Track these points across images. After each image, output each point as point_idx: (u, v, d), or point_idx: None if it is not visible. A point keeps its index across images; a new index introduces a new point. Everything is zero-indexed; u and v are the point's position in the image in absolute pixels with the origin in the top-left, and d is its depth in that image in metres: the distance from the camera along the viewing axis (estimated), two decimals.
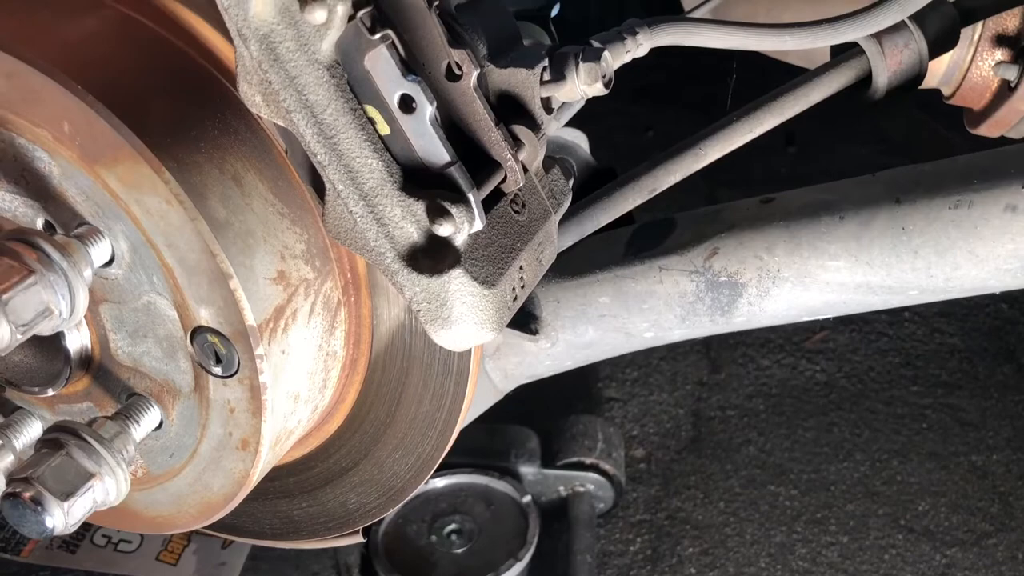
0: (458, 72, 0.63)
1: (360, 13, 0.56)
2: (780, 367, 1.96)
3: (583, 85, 0.71)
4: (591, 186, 1.02)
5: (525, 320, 0.94)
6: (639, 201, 0.88)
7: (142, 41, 0.62)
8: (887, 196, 0.85)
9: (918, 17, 0.89)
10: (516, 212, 0.67)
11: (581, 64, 0.71)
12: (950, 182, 0.84)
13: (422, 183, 0.60)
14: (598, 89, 0.72)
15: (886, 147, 2.23)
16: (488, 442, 1.56)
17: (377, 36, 0.57)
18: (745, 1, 1.36)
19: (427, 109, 0.58)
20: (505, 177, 0.65)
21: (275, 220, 0.63)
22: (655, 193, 0.89)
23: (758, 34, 0.84)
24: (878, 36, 0.89)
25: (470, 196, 0.60)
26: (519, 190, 0.67)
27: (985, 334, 1.99)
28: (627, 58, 0.79)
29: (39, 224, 0.62)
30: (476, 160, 0.65)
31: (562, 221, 0.87)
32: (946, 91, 1.26)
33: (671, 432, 1.81)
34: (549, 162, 0.74)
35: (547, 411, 1.66)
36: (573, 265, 0.94)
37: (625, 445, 1.72)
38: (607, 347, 0.96)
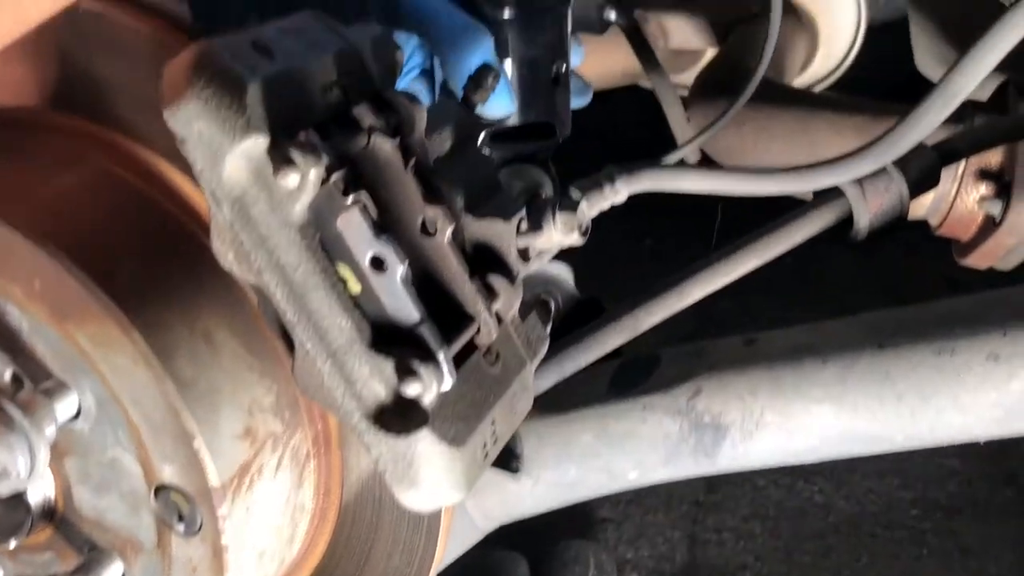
0: (432, 228, 0.63)
1: (333, 177, 0.57)
2: (777, 487, 1.93)
3: (559, 235, 0.72)
4: (576, 319, 1.02)
5: (506, 458, 0.92)
6: (620, 342, 0.88)
7: (120, 195, 0.63)
8: (870, 340, 0.85)
9: (899, 160, 0.90)
10: (489, 364, 0.67)
11: (558, 214, 0.71)
12: (932, 328, 0.83)
13: (392, 340, 0.60)
14: (574, 239, 0.72)
15: None
16: (474, 570, 1.52)
17: (350, 199, 0.57)
18: (732, 133, 1.38)
19: (398, 270, 0.58)
20: (479, 330, 0.65)
21: (244, 374, 0.62)
22: (637, 334, 0.88)
23: (740, 179, 0.85)
24: (859, 179, 0.90)
25: (439, 355, 0.59)
26: (493, 342, 0.67)
27: (985, 457, 1.96)
28: (606, 205, 0.80)
29: (7, 376, 0.62)
30: (450, 312, 0.65)
31: (543, 361, 0.87)
32: (933, 222, 1.27)
33: (666, 556, 1.77)
34: (526, 308, 0.74)
35: (538, 532, 1.63)
36: (556, 401, 0.93)
37: (619, 570, 1.68)
38: (590, 487, 0.94)
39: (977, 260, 1.24)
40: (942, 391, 0.81)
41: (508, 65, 0.89)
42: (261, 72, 0.56)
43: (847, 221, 0.93)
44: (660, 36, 1.97)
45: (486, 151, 0.92)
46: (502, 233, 0.68)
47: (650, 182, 0.82)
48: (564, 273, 1.00)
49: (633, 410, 0.90)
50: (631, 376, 0.93)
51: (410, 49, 0.91)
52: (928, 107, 0.77)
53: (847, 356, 0.85)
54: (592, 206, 0.77)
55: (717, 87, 1.47)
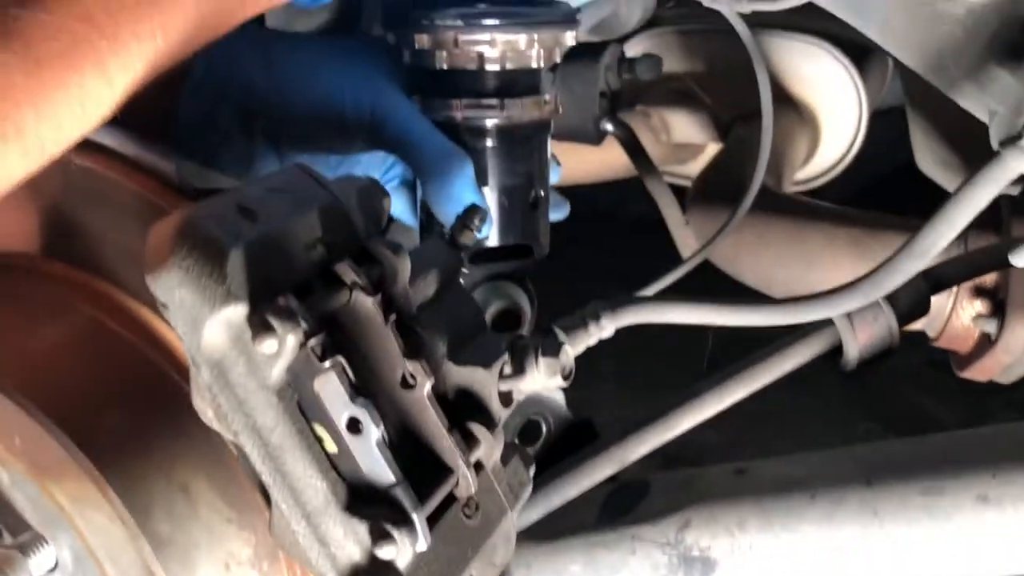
0: (411, 382, 0.64)
1: (311, 342, 0.58)
2: None
3: (543, 379, 0.72)
4: (568, 441, 1.02)
5: None
6: (609, 473, 0.88)
7: (106, 345, 0.64)
8: (858, 476, 0.84)
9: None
10: (468, 517, 0.66)
11: (541, 358, 0.72)
12: (921, 466, 0.83)
13: (368, 500, 0.60)
14: (557, 382, 0.72)
15: None
16: None
17: (327, 364, 0.58)
18: (730, 239, 1.39)
19: (373, 433, 0.59)
20: (457, 483, 0.65)
21: (222, 527, 0.62)
22: (624, 465, 0.88)
23: (728, 312, 0.85)
24: (848, 312, 0.90)
25: (414, 517, 0.59)
26: (472, 494, 0.67)
27: None
28: (591, 341, 0.80)
29: None
30: (428, 464, 0.65)
31: (531, 492, 0.86)
32: (931, 334, 1.27)
33: None
34: (509, 452, 0.74)
35: None
36: (545, 527, 0.93)
37: None
38: None
39: (976, 374, 1.23)
40: (931, 532, 0.80)
41: (487, 192, 0.90)
42: (243, 238, 0.57)
43: (837, 349, 0.94)
44: (662, 130, 2.00)
45: (465, 272, 0.93)
46: (483, 380, 0.69)
47: (636, 316, 0.82)
48: (555, 394, 1.00)
49: (622, 540, 0.90)
50: (621, 503, 0.92)
51: (390, 161, 0.93)
52: (917, 245, 0.77)
53: (836, 492, 0.84)
54: (576, 345, 0.78)
55: (715, 193, 1.49)
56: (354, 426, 0.59)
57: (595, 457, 0.87)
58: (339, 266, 0.63)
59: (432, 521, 0.63)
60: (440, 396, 0.69)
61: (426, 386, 0.63)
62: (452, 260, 0.75)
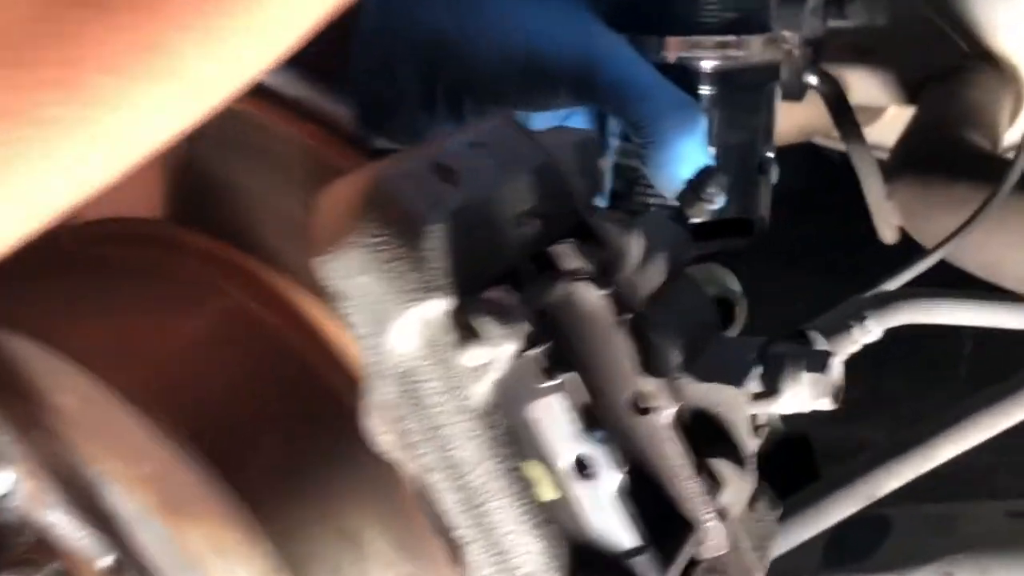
0: (647, 406, 0.48)
1: (533, 351, 0.42)
2: None
3: (806, 399, 0.55)
4: (781, 459, 0.85)
5: None
6: (849, 511, 0.70)
7: (257, 343, 0.50)
8: None
9: None
10: None
11: (805, 374, 0.55)
12: None
13: (592, 565, 0.44)
14: (824, 404, 0.55)
15: None
16: None
17: (555, 381, 0.42)
18: (948, 214, 1.18)
19: (612, 479, 0.43)
20: (702, 541, 0.49)
21: None
22: (872, 500, 0.70)
23: (1007, 309, 0.66)
24: None
25: None
26: (722, 554, 0.51)
27: None
28: (854, 348, 0.63)
29: (108, 562, 0.50)
30: (658, 510, 0.49)
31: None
32: None
33: None
34: (757, 489, 0.57)
35: None
36: None
37: None
38: None
39: None
40: None
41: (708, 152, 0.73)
42: (445, 208, 0.41)
43: None
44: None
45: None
46: (731, 402, 0.52)
47: (910, 314, 0.64)
48: None
49: None
50: (853, 546, 0.75)
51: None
52: None
53: None
54: (839, 353, 0.60)
55: (931, 161, 1.26)
56: (583, 468, 0.43)
57: (835, 492, 0.70)
58: (559, 247, 0.47)
59: None
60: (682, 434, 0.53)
61: (667, 414, 0.47)
62: (680, 240, 0.59)
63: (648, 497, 0.49)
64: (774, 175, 0.80)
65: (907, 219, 1.27)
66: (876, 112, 1.82)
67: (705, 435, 0.53)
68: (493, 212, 0.45)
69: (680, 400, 0.52)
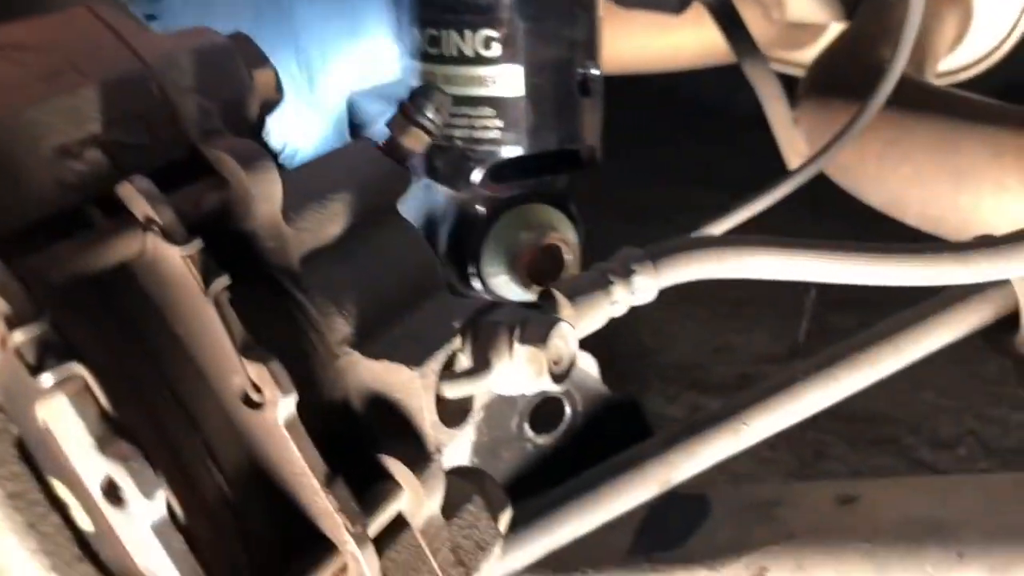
0: (256, 399, 0.36)
1: (16, 337, 0.30)
2: None
3: (520, 378, 0.44)
4: (606, 426, 0.74)
5: None
6: (642, 499, 0.59)
7: None
8: None
9: None
10: None
11: (517, 347, 0.43)
12: None
13: None
14: (545, 383, 0.44)
15: None
16: None
17: (49, 378, 0.30)
18: (852, 150, 1.05)
19: (149, 509, 0.31)
20: (345, 567, 0.38)
21: None
22: (669, 487, 0.59)
23: (849, 261, 0.54)
24: None
25: None
26: None
27: None
28: (618, 311, 0.51)
29: None
30: (297, 528, 0.38)
31: (525, 524, 0.59)
32: None
33: None
34: (462, 489, 0.46)
35: None
36: (560, 554, 0.65)
37: None
38: None
39: None
40: None
41: (511, 71, 0.61)
42: None
43: (1010, 320, 0.62)
44: (775, 6, 1.63)
45: (481, 191, 0.64)
46: (407, 386, 0.41)
47: (692, 268, 0.52)
48: (585, 363, 0.72)
49: None
50: (665, 529, 0.64)
51: None
52: None
53: (1000, 551, 0.54)
54: (590, 318, 0.48)
55: (836, 84, 1.13)
56: (114, 493, 0.32)
57: (623, 474, 0.58)
58: (124, 187, 0.35)
59: None
60: (339, 406, 0.41)
61: (280, 408, 0.36)
62: (386, 175, 0.47)
63: (280, 516, 0.38)
64: (599, 94, 0.67)
65: (810, 144, 1.15)
66: (817, 31, 1.68)
67: (383, 426, 0.42)
68: (15, 139, 0.33)
69: (329, 378, 0.40)
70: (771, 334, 2.14)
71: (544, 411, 0.72)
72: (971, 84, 1.58)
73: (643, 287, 0.50)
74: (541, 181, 0.67)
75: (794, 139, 1.16)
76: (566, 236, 0.67)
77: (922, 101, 1.01)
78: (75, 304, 0.34)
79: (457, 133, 0.62)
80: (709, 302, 2.34)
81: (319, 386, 0.40)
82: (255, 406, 0.36)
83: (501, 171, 0.63)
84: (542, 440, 0.71)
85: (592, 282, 0.49)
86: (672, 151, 2.74)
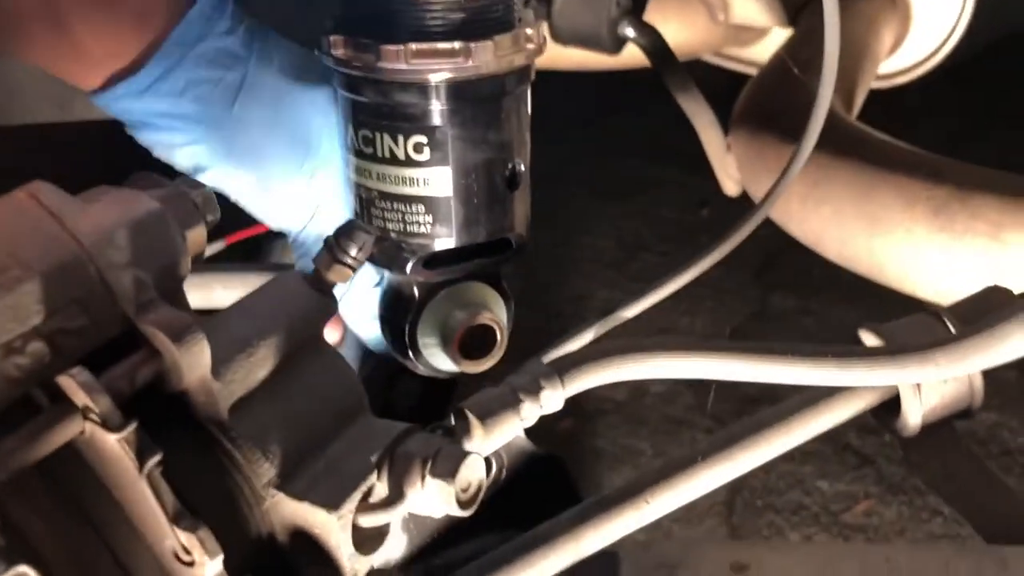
0: (186, 559, 0.40)
1: None
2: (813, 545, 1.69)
3: (432, 505, 0.48)
4: (531, 483, 0.79)
5: None
6: (550, 572, 0.64)
7: None
8: None
9: None
10: None
11: (429, 479, 0.48)
12: None
13: None
14: (452, 511, 0.49)
15: None
16: None
17: None
18: (820, 201, 1.09)
19: None
20: None
21: None
22: (578, 559, 0.65)
23: (737, 362, 0.60)
24: None
25: None
26: None
27: None
28: (526, 424, 0.56)
29: None
30: None
31: None
32: None
33: None
34: None
35: None
36: None
37: None
38: None
39: None
40: None
41: (442, 174, 0.64)
42: None
43: (893, 402, 0.67)
44: (720, 9, 1.66)
45: (416, 277, 0.68)
46: (326, 525, 0.45)
47: (598, 377, 0.57)
48: None
49: None
50: None
51: None
52: None
53: None
54: (495, 436, 0.53)
55: (769, 112, 1.18)
56: None
57: (536, 550, 0.64)
58: (62, 380, 0.38)
59: None
60: (266, 540, 0.46)
61: (210, 568, 0.40)
62: (313, 308, 0.51)
63: None
64: (526, 185, 0.71)
65: (743, 171, 1.20)
66: (762, 31, 1.72)
67: (307, 556, 0.46)
68: None
69: (259, 515, 0.45)
70: (713, 316, 2.21)
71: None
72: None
73: (550, 400, 0.55)
74: (473, 267, 0.70)
75: (727, 165, 1.20)
76: (497, 315, 0.71)
77: (847, 145, 1.06)
78: (20, 484, 0.38)
79: (391, 226, 0.65)
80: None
81: (248, 525, 0.45)
82: (188, 564, 0.40)
83: (434, 261, 0.67)
84: None
85: (503, 402, 0.53)
86: (641, 123, 2.78)
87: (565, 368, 0.55)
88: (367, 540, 0.47)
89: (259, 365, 0.46)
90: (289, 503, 0.45)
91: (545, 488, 0.76)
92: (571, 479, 0.79)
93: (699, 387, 2.15)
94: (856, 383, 0.58)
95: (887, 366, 0.57)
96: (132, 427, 0.39)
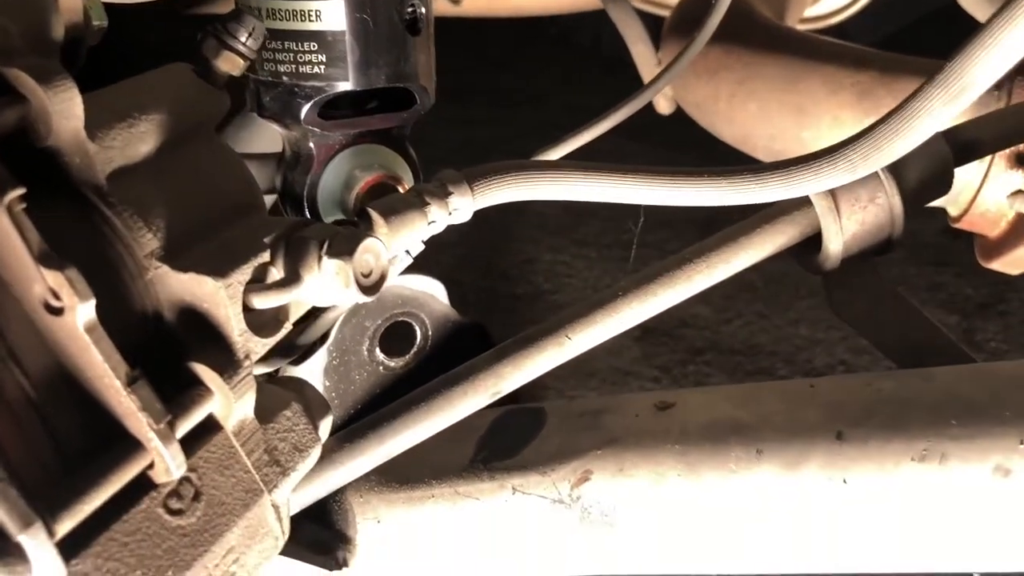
0: (56, 305, 0.38)
1: None
2: None
3: (330, 289, 0.46)
4: (455, 349, 0.77)
5: (331, 544, 0.69)
6: (474, 408, 0.63)
7: None
8: (825, 427, 0.59)
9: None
10: (175, 513, 0.42)
11: (325, 260, 0.46)
12: (918, 415, 0.57)
13: None
14: (353, 296, 0.47)
15: None
16: None
17: None
18: (705, 83, 1.10)
19: None
20: (151, 464, 0.41)
21: None
22: (498, 396, 0.63)
23: (640, 182, 0.58)
24: (832, 189, 0.63)
25: (21, 542, 0.35)
26: (187, 477, 0.42)
27: None
28: (433, 230, 0.54)
29: None
30: (108, 431, 0.40)
31: (363, 433, 0.62)
32: (952, 212, 0.99)
33: None
34: (282, 396, 0.49)
35: None
36: (406, 468, 0.69)
37: None
38: None
39: (1006, 265, 0.96)
40: (926, 514, 0.56)
41: (332, 7, 0.62)
42: None
43: (814, 239, 0.67)
44: None
45: (312, 129, 0.66)
46: (213, 295, 0.43)
47: (507, 190, 0.55)
48: (432, 288, 0.75)
49: (500, 492, 0.66)
50: (503, 441, 0.68)
51: None
52: (938, 92, 0.49)
53: (792, 448, 0.59)
54: (402, 236, 0.51)
55: (699, 20, 1.17)
56: None
57: (456, 387, 0.62)
58: None
59: (95, 531, 0.39)
60: (151, 318, 0.44)
61: (81, 312, 0.38)
62: (202, 97, 0.48)
63: (90, 421, 0.40)
64: (429, 34, 0.69)
65: (673, 86, 1.19)
66: None
67: (195, 334, 0.44)
68: None
69: (139, 290, 0.43)
70: None
71: (394, 335, 0.75)
72: (845, 31, 1.65)
73: (460, 207, 0.53)
74: (373, 120, 0.67)
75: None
76: (400, 176, 0.69)
77: (770, 42, 1.06)
78: None
79: (283, 68, 0.63)
80: (599, 246, 2.41)
81: (128, 299, 0.43)
82: (56, 312, 0.38)
83: (332, 106, 0.65)
84: (393, 363, 0.74)
85: (409, 202, 0.51)
86: (574, 100, 2.78)
87: (475, 177, 0.53)
88: (263, 324, 0.45)
89: (140, 139, 0.44)
90: (175, 276, 0.43)
91: (468, 355, 0.74)
92: (493, 344, 0.77)
93: (645, 340, 2.15)
94: (773, 197, 0.57)
95: (804, 173, 0.56)
96: None
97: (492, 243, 2.38)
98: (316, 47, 0.62)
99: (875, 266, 0.67)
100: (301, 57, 0.63)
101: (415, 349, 0.75)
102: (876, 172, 0.63)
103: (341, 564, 0.68)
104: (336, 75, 0.63)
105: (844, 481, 0.57)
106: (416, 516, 0.68)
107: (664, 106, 1.23)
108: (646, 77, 1.22)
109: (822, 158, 0.55)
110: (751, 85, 1.03)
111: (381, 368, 0.74)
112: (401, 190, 0.68)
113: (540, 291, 2.27)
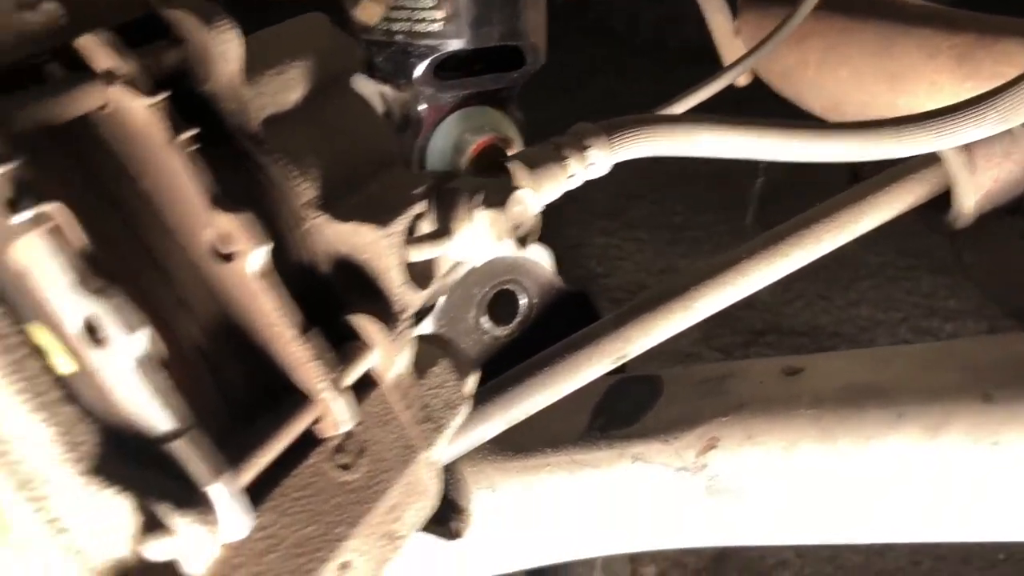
0: (226, 251, 0.37)
1: None
2: None
3: (483, 241, 0.45)
4: (558, 318, 0.75)
5: (444, 514, 0.67)
6: (598, 372, 0.61)
7: None
8: (970, 389, 0.57)
9: None
10: (343, 468, 0.41)
11: (479, 211, 0.44)
12: None
13: (136, 456, 0.34)
14: (508, 247, 0.45)
15: None
16: None
17: (24, 216, 0.31)
18: (792, 52, 1.07)
19: (130, 346, 0.32)
20: (319, 419, 0.39)
21: None
22: (623, 360, 0.61)
23: (787, 138, 0.56)
24: (967, 145, 0.60)
25: (209, 493, 0.33)
26: (352, 432, 0.41)
27: None
28: (573, 183, 0.52)
29: None
30: (271, 383, 0.39)
31: (485, 400, 0.61)
32: None
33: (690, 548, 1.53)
34: (429, 354, 0.47)
35: None
36: (520, 436, 0.68)
37: (633, 562, 1.45)
38: (559, 554, 0.69)
39: None
40: None
41: None
42: None
43: (944, 197, 0.64)
44: None
45: (424, 90, 0.64)
46: (375, 246, 0.42)
47: (645, 144, 0.54)
48: (539, 255, 0.73)
49: (620, 461, 0.64)
50: (621, 408, 0.66)
51: None
52: None
53: (935, 411, 0.57)
54: (547, 188, 0.49)
55: None
56: (93, 333, 0.33)
57: (581, 350, 0.60)
58: (86, 39, 0.35)
59: (268, 485, 0.37)
60: (306, 269, 0.42)
61: (251, 259, 0.37)
62: (339, 47, 0.47)
63: (257, 372, 0.39)
64: None
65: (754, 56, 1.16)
66: None
67: (350, 287, 0.43)
68: None
69: (296, 240, 0.41)
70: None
71: (500, 303, 0.73)
72: None
73: (597, 160, 0.51)
74: (485, 81, 0.67)
75: (736, 51, 1.17)
76: (511, 138, 0.68)
77: (860, 5, 1.03)
78: (39, 156, 0.34)
79: (397, 27, 0.62)
80: (651, 229, 2.39)
81: (284, 250, 0.41)
82: (226, 258, 0.37)
83: (443, 68, 0.64)
84: (499, 331, 0.73)
85: (548, 155, 0.50)
86: (609, 84, 2.75)
87: (613, 129, 0.51)
88: (416, 277, 0.44)
89: (290, 87, 0.43)
90: (333, 225, 0.41)
91: (574, 323, 0.72)
92: (599, 313, 0.75)
93: (706, 321, 2.14)
94: (911, 151, 0.55)
95: (951, 123, 0.54)
96: (164, 95, 0.35)
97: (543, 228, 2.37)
98: (432, 4, 0.61)
99: (1006, 223, 0.65)
100: (416, 15, 0.61)
101: (520, 318, 0.74)
102: (1014, 133, 0.60)
103: (454, 535, 0.67)
104: (451, 32, 0.62)
105: (995, 444, 0.55)
106: (532, 485, 0.66)
107: (741, 78, 1.19)
108: (721, 46, 1.19)
109: (963, 111, 0.53)
110: (843, 51, 1.00)
111: (488, 337, 0.73)
112: (510, 153, 0.67)
113: (593, 274, 2.25)
